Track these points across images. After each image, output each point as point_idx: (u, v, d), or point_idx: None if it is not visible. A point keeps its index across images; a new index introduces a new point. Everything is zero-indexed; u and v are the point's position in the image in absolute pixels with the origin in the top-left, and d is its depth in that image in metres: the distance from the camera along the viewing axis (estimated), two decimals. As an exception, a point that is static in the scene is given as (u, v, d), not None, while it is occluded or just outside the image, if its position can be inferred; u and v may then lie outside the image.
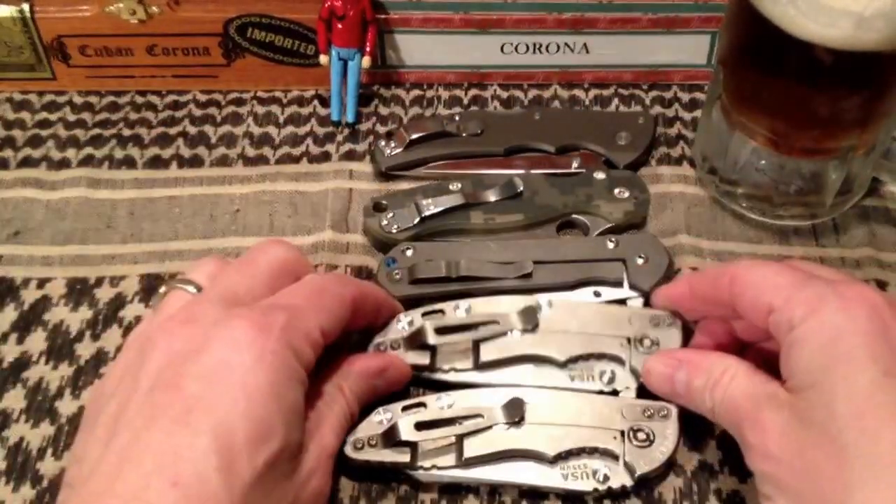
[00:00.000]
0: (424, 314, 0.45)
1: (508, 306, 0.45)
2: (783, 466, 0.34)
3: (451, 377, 0.44)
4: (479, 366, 0.44)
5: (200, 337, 0.36)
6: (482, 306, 0.45)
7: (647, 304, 0.47)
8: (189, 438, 0.33)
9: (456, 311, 0.45)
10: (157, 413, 0.33)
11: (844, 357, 0.34)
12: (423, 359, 0.44)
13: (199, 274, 0.41)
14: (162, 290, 0.41)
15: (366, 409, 0.44)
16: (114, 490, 0.32)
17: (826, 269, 0.40)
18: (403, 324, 0.45)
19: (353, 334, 0.44)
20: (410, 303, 0.47)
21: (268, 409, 0.34)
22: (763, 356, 0.41)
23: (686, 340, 0.44)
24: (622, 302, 0.47)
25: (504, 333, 0.44)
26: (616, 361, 0.44)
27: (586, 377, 0.43)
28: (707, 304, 0.42)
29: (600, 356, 0.44)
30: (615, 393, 0.43)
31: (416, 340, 0.44)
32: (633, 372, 0.43)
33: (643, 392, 0.43)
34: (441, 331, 0.44)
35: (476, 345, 0.44)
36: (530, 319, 0.44)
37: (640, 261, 0.48)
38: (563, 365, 0.43)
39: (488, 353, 0.44)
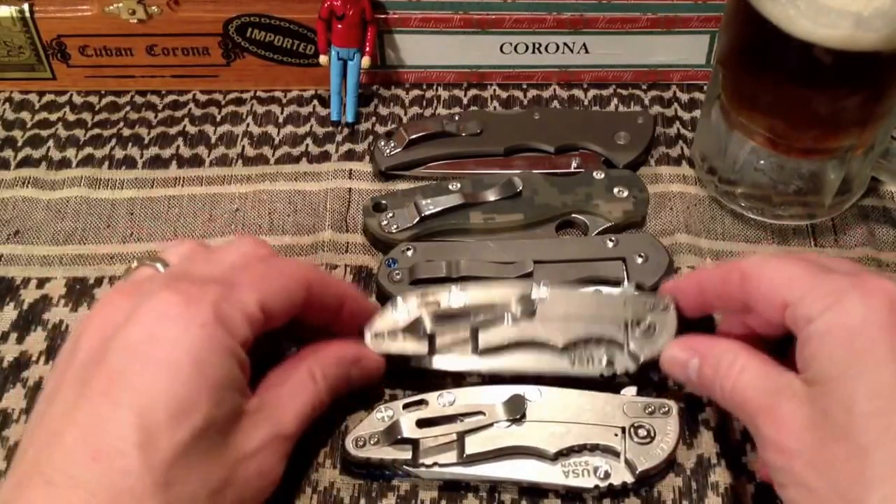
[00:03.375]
0: (420, 296, 0.44)
1: (504, 294, 0.44)
2: (800, 460, 0.33)
3: (451, 367, 0.43)
4: (479, 352, 0.43)
5: (131, 308, 0.35)
6: (478, 294, 0.44)
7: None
8: (110, 412, 0.32)
9: (451, 298, 0.44)
10: (85, 387, 0.33)
11: (866, 352, 0.33)
12: (420, 348, 0.43)
13: (171, 254, 0.41)
14: (133, 264, 0.40)
15: (367, 405, 0.44)
16: (40, 467, 0.32)
17: (842, 261, 0.39)
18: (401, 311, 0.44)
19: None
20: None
21: (191, 383, 0.33)
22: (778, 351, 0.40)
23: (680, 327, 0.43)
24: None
25: (501, 319, 0.44)
26: (615, 345, 0.43)
27: (586, 361, 0.43)
28: (717, 300, 0.41)
29: (599, 340, 0.44)
30: (614, 377, 0.43)
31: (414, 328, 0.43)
32: (632, 355, 0.43)
33: (643, 388, 0.43)
34: (439, 319, 0.43)
35: (475, 333, 0.44)
36: (527, 306, 0.44)
37: (639, 259, 0.48)
38: (562, 350, 0.43)
39: (486, 340, 0.43)
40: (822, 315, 0.35)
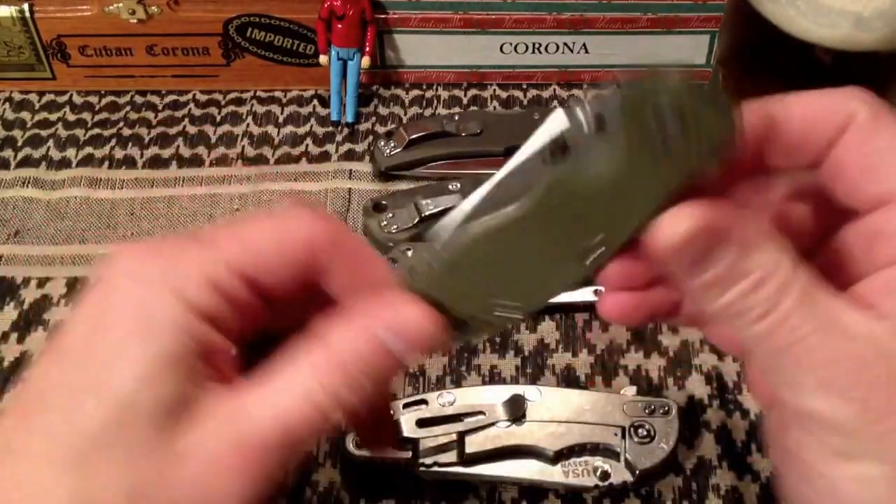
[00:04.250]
0: None
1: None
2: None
3: None
4: None
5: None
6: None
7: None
8: (43, 372, 0.28)
9: None
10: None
11: None
12: None
13: None
14: None
15: (367, 406, 0.44)
16: None
17: None
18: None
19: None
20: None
21: (119, 350, 0.27)
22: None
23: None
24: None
25: None
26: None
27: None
28: (795, 146, 0.28)
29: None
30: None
31: None
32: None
33: (643, 389, 0.43)
34: None
35: None
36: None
37: None
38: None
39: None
40: None
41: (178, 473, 0.27)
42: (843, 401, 0.25)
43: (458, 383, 0.45)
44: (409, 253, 0.49)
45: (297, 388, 0.28)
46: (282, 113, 0.60)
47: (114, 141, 0.58)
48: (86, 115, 0.60)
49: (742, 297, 0.26)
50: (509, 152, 0.54)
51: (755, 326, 0.26)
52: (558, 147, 0.28)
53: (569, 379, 0.45)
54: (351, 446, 0.41)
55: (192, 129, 0.59)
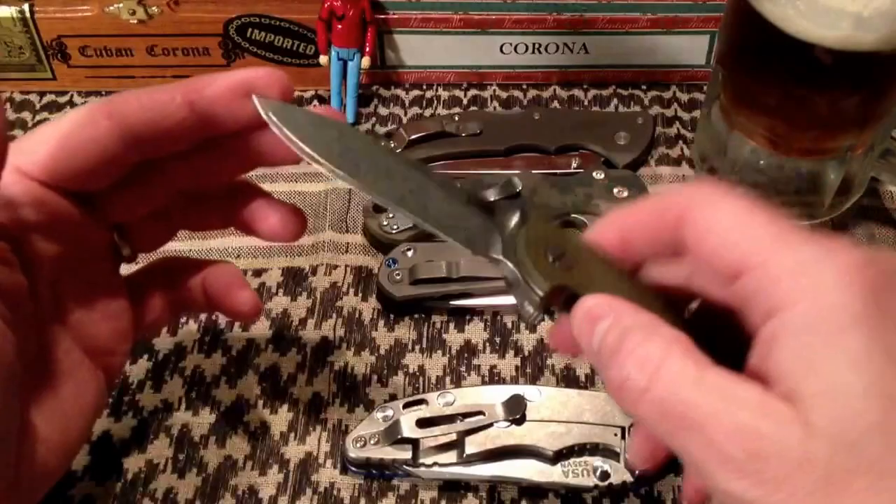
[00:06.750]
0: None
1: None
2: (801, 493, 0.24)
3: None
4: None
5: None
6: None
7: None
8: None
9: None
10: None
11: (863, 357, 0.24)
12: None
13: None
14: None
15: (369, 406, 0.44)
16: None
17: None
18: None
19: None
20: (412, 304, 0.48)
21: None
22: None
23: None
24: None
25: None
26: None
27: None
28: (647, 248, 0.31)
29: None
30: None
31: None
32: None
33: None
34: None
35: None
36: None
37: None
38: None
39: None
40: (793, 304, 0.26)
41: None
42: (768, 485, 0.24)
43: (457, 383, 0.45)
44: (410, 253, 0.49)
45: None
46: (282, 113, 0.60)
47: (114, 141, 0.58)
48: (86, 116, 0.60)
49: (624, 366, 0.26)
50: (509, 152, 0.55)
51: (649, 401, 0.26)
52: None
53: (569, 379, 0.45)
54: (351, 446, 0.41)
55: (192, 130, 0.59)
